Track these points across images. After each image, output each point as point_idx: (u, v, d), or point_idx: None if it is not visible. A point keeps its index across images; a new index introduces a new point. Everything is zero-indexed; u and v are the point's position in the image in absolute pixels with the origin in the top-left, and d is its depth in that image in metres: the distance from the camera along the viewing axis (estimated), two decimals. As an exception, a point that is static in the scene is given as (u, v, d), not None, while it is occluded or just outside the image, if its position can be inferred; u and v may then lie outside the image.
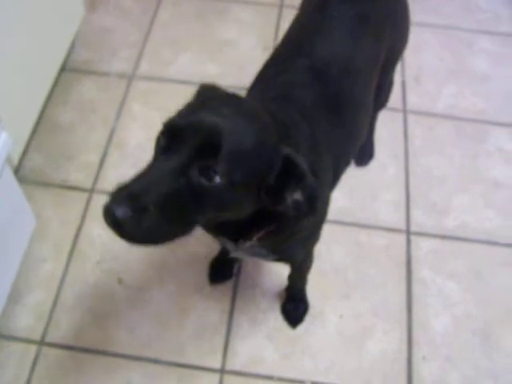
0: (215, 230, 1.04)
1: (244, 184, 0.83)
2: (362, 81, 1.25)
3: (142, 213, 0.77)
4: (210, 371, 1.47)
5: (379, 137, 1.87)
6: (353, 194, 1.75)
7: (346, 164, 1.26)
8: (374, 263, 1.64)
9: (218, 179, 0.79)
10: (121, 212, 0.76)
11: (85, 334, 1.52)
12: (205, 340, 1.51)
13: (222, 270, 1.62)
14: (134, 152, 1.84)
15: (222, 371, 1.47)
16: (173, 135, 0.82)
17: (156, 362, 1.49)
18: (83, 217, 1.70)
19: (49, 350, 1.50)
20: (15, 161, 1.72)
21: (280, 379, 1.46)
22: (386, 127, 1.91)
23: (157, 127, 1.80)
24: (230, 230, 1.01)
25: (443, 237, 1.70)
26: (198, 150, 0.79)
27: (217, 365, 1.48)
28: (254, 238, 1.01)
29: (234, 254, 1.22)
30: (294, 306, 1.56)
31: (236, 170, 0.81)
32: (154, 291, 1.58)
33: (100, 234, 1.67)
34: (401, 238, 1.69)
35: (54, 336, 1.52)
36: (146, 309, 1.56)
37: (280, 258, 1.21)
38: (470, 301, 1.59)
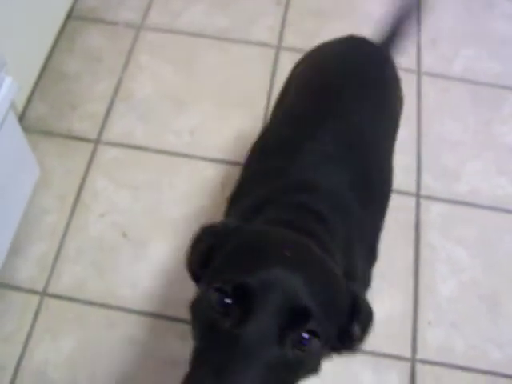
0: None
1: (333, 336, 0.72)
2: (387, 156, 1.16)
3: None
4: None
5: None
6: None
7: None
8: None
9: (314, 343, 0.66)
10: None
11: (87, 286, 1.50)
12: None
13: None
14: (140, 104, 1.78)
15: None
16: (244, 300, 0.66)
17: (158, 316, 1.47)
18: (88, 168, 1.66)
19: (51, 301, 1.48)
20: (19, 109, 1.68)
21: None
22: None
23: (165, 80, 1.76)
24: None
25: (453, 202, 1.67)
26: (287, 319, 0.65)
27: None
28: None
29: None
30: None
31: (328, 326, 0.69)
32: (158, 246, 1.56)
33: (104, 186, 1.63)
34: (410, 202, 1.66)
35: (56, 287, 1.49)
36: (150, 264, 1.53)
37: None
38: (477, 267, 1.57)
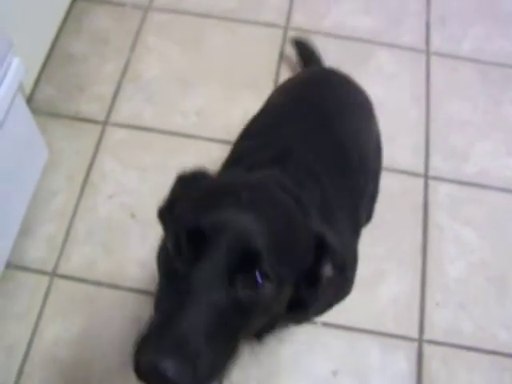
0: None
1: (291, 280, 0.72)
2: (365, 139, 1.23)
3: (195, 362, 0.62)
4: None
5: (400, 79, 1.81)
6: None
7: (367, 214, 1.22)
8: (390, 207, 1.59)
9: (267, 286, 0.67)
10: (173, 369, 0.61)
11: (96, 267, 1.51)
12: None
13: None
14: (148, 85, 1.77)
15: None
16: (197, 242, 0.67)
17: (167, 297, 1.48)
18: (96, 150, 1.66)
19: (60, 281, 1.48)
20: (27, 91, 1.67)
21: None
22: (407, 69, 1.85)
23: (172, 61, 1.74)
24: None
25: (462, 183, 1.65)
26: (237, 261, 0.66)
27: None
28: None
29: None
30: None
31: (281, 267, 0.68)
32: (167, 227, 1.56)
33: (113, 167, 1.63)
34: (418, 182, 1.65)
35: (65, 268, 1.50)
36: (157, 244, 1.54)
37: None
38: (486, 248, 1.56)
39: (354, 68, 1.83)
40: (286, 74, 1.80)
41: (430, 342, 1.44)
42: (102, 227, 1.55)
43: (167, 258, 0.70)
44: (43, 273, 1.49)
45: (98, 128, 1.69)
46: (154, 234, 1.52)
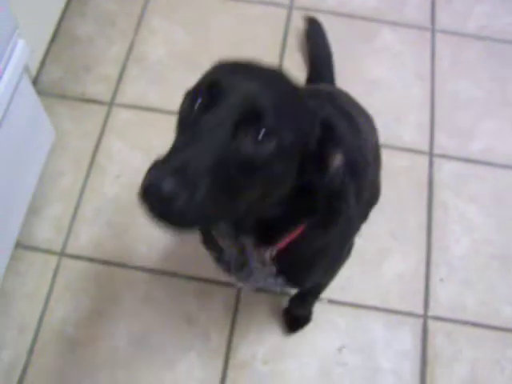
0: (241, 228, 0.88)
1: (291, 148, 0.74)
2: None
3: (191, 187, 0.64)
4: (227, 286, 1.47)
5: (405, 57, 1.80)
6: (375, 114, 1.69)
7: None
8: (395, 185, 1.60)
9: (267, 143, 0.70)
10: (169, 186, 0.63)
11: (104, 246, 1.52)
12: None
13: None
14: (153, 67, 1.77)
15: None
16: (212, 95, 0.72)
17: (174, 275, 1.49)
18: (102, 130, 1.66)
19: (69, 261, 1.50)
20: (33, 73, 1.67)
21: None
22: (412, 46, 1.84)
23: (177, 42, 1.74)
24: (258, 228, 0.87)
25: (467, 160, 1.65)
26: (244, 114, 0.70)
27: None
28: (280, 242, 0.89)
29: (240, 285, 1.13)
30: (295, 319, 1.45)
31: (283, 131, 0.72)
32: (173, 207, 1.56)
33: (119, 147, 1.64)
34: (423, 160, 1.64)
35: (73, 248, 1.52)
36: (165, 224, 1.54)
37: (298, 287, 1.13)
38: (490, 226, 1.56)
39: (358, 46, 1.83)
40: (290, 56, 1.79)
41: (435, 318, 1.45)
42: (109, 207, 1.56)
43: (182, 113, 0.77)
44: (52, 252, 1.51)
45: (104, 109, 1.70)
46: (160, 213, 1.55)
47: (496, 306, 1.47)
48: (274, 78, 0.80)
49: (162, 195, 0.63)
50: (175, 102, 1.68)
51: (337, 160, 0.79)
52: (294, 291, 1.36)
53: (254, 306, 1.46)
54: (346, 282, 1.47)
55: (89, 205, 1.57)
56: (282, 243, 0.90)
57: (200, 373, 1.39)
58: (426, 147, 1.66)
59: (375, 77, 1.78)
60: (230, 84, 0.72)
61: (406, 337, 1.43)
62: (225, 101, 0.71)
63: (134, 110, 1.70)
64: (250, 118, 0.70)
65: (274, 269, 0.96)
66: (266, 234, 0.88)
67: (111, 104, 1.70)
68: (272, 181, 0.74)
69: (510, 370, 1.41)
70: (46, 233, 1.53)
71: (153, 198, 0.64)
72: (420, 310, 1.46)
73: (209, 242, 1.07)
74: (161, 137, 1.65)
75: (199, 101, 0.73)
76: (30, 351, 1.41)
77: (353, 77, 1.72)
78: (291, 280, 1.03)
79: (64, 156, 1.62)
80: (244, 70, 0.79)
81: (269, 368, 1.40)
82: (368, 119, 1.33)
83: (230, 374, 1.39)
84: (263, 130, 0.70)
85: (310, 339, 1.43)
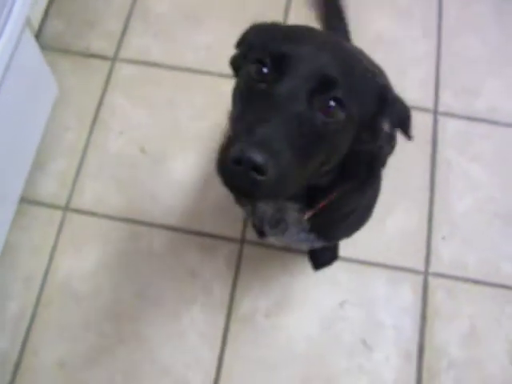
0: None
1: (358, 116, 0.75)
2: None
3: (278, 159, 0.66)
4: (230, 241, 1.47)
5: (411, 13, 1.76)
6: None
7: None
8: (399, 142, 1.57)
9: (339, 113, 0.72)
10: (260, 159, 0.64)
11: (108, 201, 1.52)
12: (226, 210, 1.50)
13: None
14: (157, 21, 1.73)
15: (243, 241, 1.47)
16: (281, 65, 0.72)
17: (178, 229, 1.49)
18: (105, 86, 1.64)
19: (73, 215, 1.50)
20: (35, 26, 1.65)
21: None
22: (419, 2, 1.79)
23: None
24: (306, 194, 0.88)
25: (472, 119, 1.63)
26: (316, 83, 0.71)
27: (237, 235, 1.48)
28: (318, 206, 0.91)
29: (273, 240, 1.14)
30: (322, 253, 1.46)
31: (352, 102, 0.73)
32: (176, 161, 1.56)
33: (122, 103, 1.62)
34: (427, 118, 1.62)
35: (78, 202, 1.52)
36: (168, 178, 1.54)
37: (328, 242, 1.13)
38: (494, 184, 1.54)
39: (365, 1, 1.79)
40: (296, 10, 1.75)
41: (436, 274, 1.45)
42: (112, 162, 1.56)
43: (246, 82, 0.75)
44: (56, 207, 1.51)
45: (108, 64, 1.67)
46: (163, 168, 1.54)
47: (497, 264, 1.47)
48: (339, 47, 0.79)
49: (255, 167, 0.64)
50: (179, 57, 1.69)
51: (385, 128, 0.81)
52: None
53: (257, 261, 1.46)
54: (348, 238, 1.47)
55: (93, 160, 1.56)
56: (320, 205, 0.92)
57: (203, 326, 1.40)
58: (430, 105, 1.63)
59: (380, 30, 1.74)
60: (299, 54, 0.72)
61: (407, 293, 1.44)
62: (297, 71, 0.71)
63: (138, 65, 1.67)
64: (324, 88, 0.71)
65: (308, 226, 0.98)
66: (311, 199, 0.90)
67: (114, 59, 1.68)
68: (336, 148, 0.77)
69: (508, 327, 1.41)
70: (50, 188, 1.53)
71: (244, 171, 0.65)
72: (421, 267, 1.46)
73: (243, 199, 1.07)
74: (163, 93, 1.65)
75: (265, 70, 0.73)
76: (36, 303, 1.42)
77: (356, 30, 1.67)
78: (323, 236, 1.05)
79: (67, 111, 1.61)
80: (306, 38, 0.77)
81: (270, 322, 1.41)
82: (385, 79, 1.31)
83: (232, 327, 1.40)
84: (336, 100, 0.71)
85: (312, 294, 1.44)
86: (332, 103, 0.71)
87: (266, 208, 0.99)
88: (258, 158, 0.64)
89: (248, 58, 0.80)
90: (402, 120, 0.83)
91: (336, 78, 0.72)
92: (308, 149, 0.71)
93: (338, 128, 0.73)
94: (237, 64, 0.90)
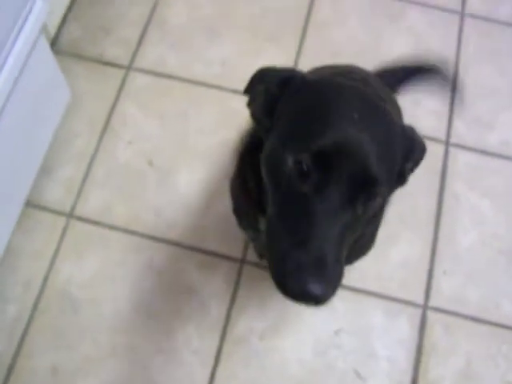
0: None
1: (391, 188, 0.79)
2: None
3: (337, 281, 0.72)
4: (230, 260, 1.45)
5: (430, 39, 1.73)
6: (395, 97, 1.64)
7: None
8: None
9: (378, 201, 0.73)
10: (320, 289, 0.68)
11: (112, 211, 1.50)
12: (229, 229, 1.48)
13: None
14: (174, 31, 1.71)
15: (243, 261, 1.45)
16: (320, 165, 0.71)
17: (179, 245, 1.47)
18: (118, 94, 1.63)
19: (77, 223, 1.49)
20: (52, 32, 1.64)
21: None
22: (439, 29, 1.75)
23: (200, 8, 1.65)
24: None
25: (484, 152, 1.59)
26: (359, 185, 0.71)
27: (237, 255, 1.46)
28: None
29: None
30: None
31: (389, 182, 0.74)
32: (183, 176, 1.54)
33: (133, 113, 1.60)
34: (439, 148, 1.59)
35: (82, 210, 1.50)
36: (174, 192, 1.52)
37: None
38: (501, 221, 1.51)
39: (383, 24, 1.75)
40: (315, 25, 1.72)
41: (435, 309, 1.42)
42: (119, 172, 1.54)
43: (284, 178, 0.73)
44: (60, 213, 1.49)
45: (122, 72, 1.65)
46: (169, 181, 1.53)
47: (497, 302, 1.43)
48: (377, 116, 0.77)
49: (315, 299, 0.69)
50: (193, 70, 1.67)
51: (409, 165, 0.83)
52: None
53: (256, 282, 1.44)
54: (350, 266, 1.44)
55: (100, 168, 1.55)
56: None
57: (197, 344, 1.39)
58: (442, 135, 1.60)
59: (396, 56, 1.71)
60: (341, 151, 0.70)
61: (404, 325, 1.41)
62: (341, 173, 0.70)
63: (152, 75, 1.65)
64: (366, 185, 0.71)
65: None
66: None
67: (129, 68, 1.66)
68: (374, 220, 0.84)
69: (504, 367, 1.38)
70: (56, 193, 1.51)
71: (307, 299, 0.70)
72: (421, 300, 1.43)
73: (245, 223, 1.05)
74: (176, 105, 1.63)
75: (305, 168, 0.71)
76: (34, 308, 1.41)
77: (374, 54, 1.65)
78: None
79: (79, 117, 1.59)
80: (337, 114, 0.74)
81: (264, 344, 1.39)
82: (394, 105, 1.28)
83: (226, 346, 1.38)
84: (377, 194, 0.72)
85: (308, 319, 1.42)
86: (372, 197, 0.72)
87: None
88: (319, 291, 0.68)
89: (280, 136, 0.78)
90: (421, 158, 0.84)
91: (378, 176, 0.71)
92: (349, 237, 0.73)
93: (378, 209, 0.75)
94: (259, 117, 0.86)
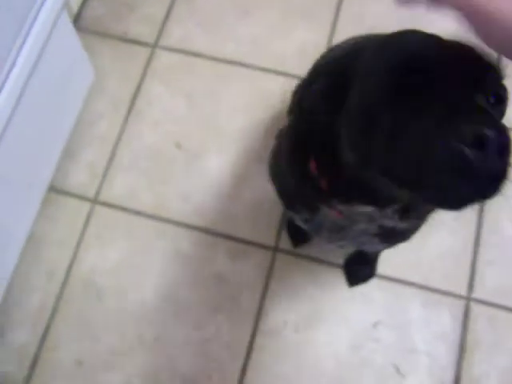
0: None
1: None
2: None
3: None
4: (262, 248, 1.37)
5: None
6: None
7: None
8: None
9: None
10: (501, 136, 0.51)
11: (138, 196, 1.42)
12: (261, 215, 1.39)
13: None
14: (202, 8, 1.61)
15: (276, 249, 1.37)
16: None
17: (207, 231, 1.39)
18: (143, 73, 1.53)
19: (101, 209, 1.41)
20: (74, 9, 1.55)
21: (334, 265, 1.35)
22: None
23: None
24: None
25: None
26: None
27: (270, 242, 1.37)
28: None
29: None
30: (360, 268, 1.35)
31: None
32: (212, 159, 1.45)
33: (160, 93, 1.51)
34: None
35: (107, 195, 1.42)
36: (202, 177, 1.44)
37: (389, 246, 1.00)
38: (549, 208, 1.41)
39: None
40: (347, 3, 1.61)
41: (478, 301, 1.33)
42: (146, 155, 1.46)
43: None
44: (85, 199, 1.42)
45: (147, 51, 1.56)
46: (198, 165, 1.44)
47: (546, 294, 1.33)
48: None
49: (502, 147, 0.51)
50: (222, 48, 1.56)
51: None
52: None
53: (289, 271, 1.36)
54: (387, 254, 1.35)
55: (126, 151, 1.47)
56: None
57: (227, 336, 1.31)
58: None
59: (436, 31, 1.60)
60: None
61: (446, 319, 1.31)
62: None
63: (179, 53, 1.56)
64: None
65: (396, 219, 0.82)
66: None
67: (154, 46, 1.57)
68: None
69: (553, 363, 1.29)
70: (79, 178, 1.44)
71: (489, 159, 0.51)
72: (463, 292, 1.33)
73: (297, 204, 0.94)
74: (204, 84, 1.53)
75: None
76: (58, 297, 1.35)
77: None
78: (387, 240, 0.92)
79: (102, 98, 1.51)
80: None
81: (298, 337, 1.31)
82: None
83: (258, 339, 1.31)
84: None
85: (344, 311, 1.33)
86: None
87: (330, 214, 0.84)
88: (502, 138, 0.51)
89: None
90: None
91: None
92: None
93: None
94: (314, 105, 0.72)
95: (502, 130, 0.52)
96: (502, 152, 0.51)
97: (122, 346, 1.31)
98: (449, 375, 1.28)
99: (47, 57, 1.19)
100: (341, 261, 1.36)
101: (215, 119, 1.49)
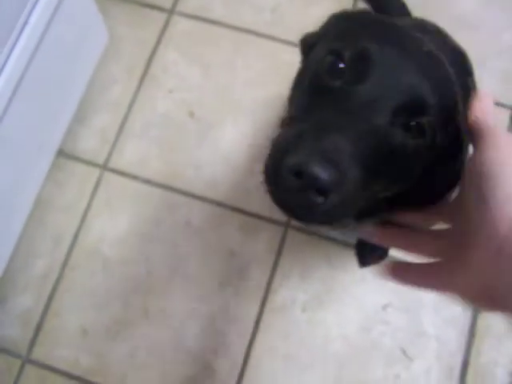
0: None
1: (443, 139, 0.58)
2: None
3: (346, 179, 0.50)
4: (274, 223, 1.31)
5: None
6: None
7: None
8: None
9: (422, 137, 0.55)
10: (328, 178, 0.48)
11: (149, 164, 1.35)
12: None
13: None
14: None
15: (287, 225, 1.30)
16: (361, 66, 0.55)
17: (219, 204, 1.33)
18: (159, 39, 1.45)
19: (111, 175, 1.34)
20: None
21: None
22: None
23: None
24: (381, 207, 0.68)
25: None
26: (404, 103, 0.54)
27: (282, 218, 1.31)
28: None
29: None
30: (372, 249, 1.26)
31: (440, 126, 0.56)
32: (226, 130, 1.38)
33: (175, 60, 1.43)
34: (503, 115, 1.41)
35: (117, 162, 1.35)
36: (215, 148, 1.36)
37: None
38: None
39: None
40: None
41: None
42: (158, 123, 1.38)
43: (314, 74, 0.59)
44: (94, 165, 1.35)
45: (163, 16, 1.47)
46: (211, 135, 1.37)
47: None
48: (430, 56, 0.60)
49: (318, 187, 0.48)
50: (241, 17, 1.47)
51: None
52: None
53: (300, 248, 1.29)
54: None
55: (138, 118, 1.39)
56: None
57: (235, 311, 1.25)
58: (508, 100, 1.42)
59: (461, 12, 1.51)
60: (385, 60, 0.55)
61: (459, 304, 1.26)
62: (383, 78, 0.54)
63: (196, 20, 1.47)
64: (413, 109, 0.54)
65: None
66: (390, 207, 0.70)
67: (171, 11, 1.48)
68: (416, 168, 0.59)
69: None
70: (89, 143, 1.37)
71: (302, 188, 0.49)
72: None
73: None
74: (221, 54, 1.44)
75: (341, 66, 0.56)
76: (64, 264, 1.29)
77: (435, 10, 1.45)
78: None
79: (116, 63, 1.43)
80: (394, 40, 0.59)
81: (307, 316, 1.25)
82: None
83: (266, 316, 1.25)
84: (422, 125, 0.55)
85: (355, 292, 1.27)
86: (417, 126, 0.55)
87: None
88: (325, 176, 0.47)
89: (321, 45, 0.63)
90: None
91: (427, 102, 0.55)
92: (377, 169, 0.54)
93: (420, 151, 0.56)
94: (307, 46, 0.72)
95: (338, 174, 0.49)
96: (320, 191, 0.48)
97: (127, 317, 1.26)
98: (457, 360, 1.23)
99: (61, 17, 1.12)
100: (353, 240, 1.29)
101: (231, 90, 1.41)
